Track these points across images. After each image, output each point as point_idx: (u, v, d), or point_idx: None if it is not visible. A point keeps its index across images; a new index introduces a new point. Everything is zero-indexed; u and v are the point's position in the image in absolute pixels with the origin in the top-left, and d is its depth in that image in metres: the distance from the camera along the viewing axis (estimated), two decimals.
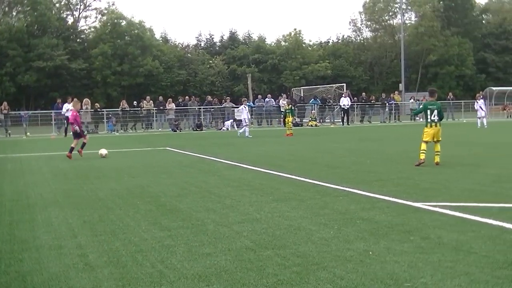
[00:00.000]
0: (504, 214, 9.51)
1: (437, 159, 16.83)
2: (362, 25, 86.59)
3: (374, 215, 9.70)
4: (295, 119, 40.46)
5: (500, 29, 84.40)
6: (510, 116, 55.82)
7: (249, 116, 37.46)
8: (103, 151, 21.86)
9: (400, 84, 64.82)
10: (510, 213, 9.69)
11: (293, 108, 37.59)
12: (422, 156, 16.69)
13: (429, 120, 17.12)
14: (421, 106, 17.91)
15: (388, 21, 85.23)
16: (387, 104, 52.19)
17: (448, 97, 56.29)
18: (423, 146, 16.89)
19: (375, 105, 52.55)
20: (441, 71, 77.89)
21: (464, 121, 50.11)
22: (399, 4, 77.65)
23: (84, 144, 22.10)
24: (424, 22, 77.66)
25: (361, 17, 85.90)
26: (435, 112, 17.03)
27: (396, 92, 59.60)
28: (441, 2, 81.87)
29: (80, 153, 21.83)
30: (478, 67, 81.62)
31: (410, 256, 7.19)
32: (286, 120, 35.71)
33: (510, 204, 10.50)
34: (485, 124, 38.44)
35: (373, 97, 55.53)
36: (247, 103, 37.36)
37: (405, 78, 68.75)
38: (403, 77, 65.54)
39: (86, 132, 22.92)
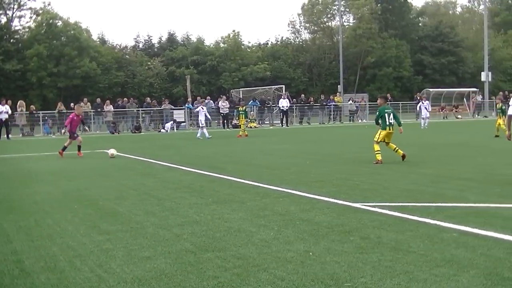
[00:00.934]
0: (441, 214, 9.65)
1: (400, 152, 17.86)
2: (301, 27, 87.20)
3: (314, 216, 9.73)
4: (247, 121, 40.26)
5: (436, 31, 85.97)
6: (447, 117, 56.89)
7: (208, 117, 37.39)
8: (112, 151, 22.09)
9: (339, 86, 65.47)
10: (447, 212, 9.83)
11: (246, 110, 37.50)
12: (379, 157, 17.54)
13: (387, 123, 18.05)
14: (377, 113, 18.69)
15: (327, 23, 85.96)
16: (326, 105, 52.58)
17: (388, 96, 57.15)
18: (377, 147, 17.79)
19: (314, 107, 52.89)
20: (379, 73, 78.95)
21: (402, 122, 50.76)
22: (337, 6, 78.32)
23: (65, 147, 23.06)
24: (362, 24, 78.60)
25: (299, 19, 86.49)
26: (391, 115, 18.15)
27: (337, 93, 60.10)
28: (378, 5, 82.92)
29: (60, 154, 22.75)
30: (415, 69, 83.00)
31: (350, 256, 7.22)
32: (239, 121, 35.61)
33: (447, 203, 10.65)
34: (426, 124, 39.13)
35: (312, 98, 55.91)
36: (204, 105, 37.23)
37: (344, 80, 69.46)
38: (341, 78, 66.22)
39: (76, 134, 23.42)
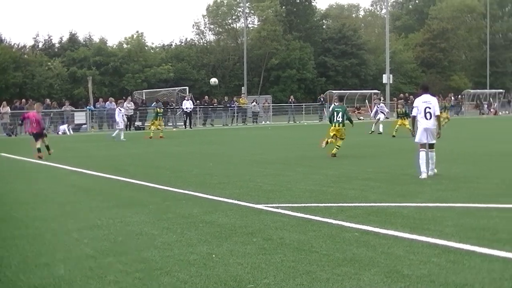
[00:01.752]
0: (343, 214, 9.78)
1: (335, 151, 19.75)
2: (206, 28, 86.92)
3: (217, 218, 9.68)
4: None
5: (339, 34, 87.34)
6: (358, 118, 57.84)
7: (124, 119, 36.63)
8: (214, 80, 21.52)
9: (242, 87, 65.64)
10: (348, 212, 9.97)
11: (160, 112, 36.84)
12: (323, 144, 20.22)
13: (335, 120, 20.22)
14: (330, 110, 20.69)
15: (231, 25, 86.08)
16: (229, 107, 52.61)
17: (290, 100, 57.64)
18: (329, 140, 20.12)
19: (218, 108, 52.84)
20: (283, 75, 79.54)
21: (305, 123, 51.48)
22: (242, 8, 78.63)
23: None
24: (267, 26, 79.03)
25: (204, 20, 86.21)
26: (340, 114, 20.16)
27: (241, 95, 60.23)
28: (283, 7, 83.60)
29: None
30: (319, 71, 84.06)
31: (253, 257, 7.21)
32: (153, 123, 35.02)
33: (349, 203, 10.82)
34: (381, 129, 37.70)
35: (216, 100, 55.85)
36: (121, 106, 36.46)
37: (248, 82, 69.76)
38: (245, 80, 66.46)
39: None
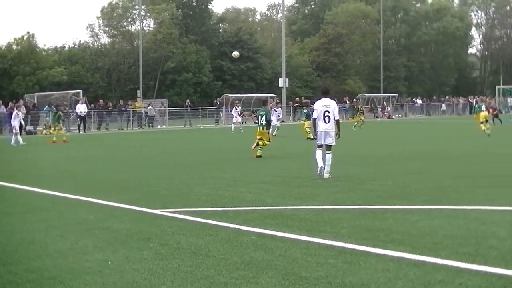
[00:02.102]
0: (239, 217, 9.77)
1: (259, 153, 20.43)
2: (100, 31, 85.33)
3: (112, 224, 9.48)
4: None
5: (236, 38, 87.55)
6: (246, 122, 58.02)
7: (22, 123, 35.28)
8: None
9: (138, 91, 64.80)
10: (245, 216, 9.96)
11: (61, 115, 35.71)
12: (258, 153, 20.55)
13: (259, 123, 21.19)
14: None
15: (127, 27, 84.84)
16: (124, 110, 51.85)
17: (186, 103, 57.43)
18: (260, 142, 20.73)
19: (113, 112, 52.01)
20: (179, 78, 79.01)
21: (202, 127, 51.40)
22: (137, 11, 77.69)
23: None
24: (163, 30, 78.27)
25: (99, 22, 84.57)
26: (264, 117, 21.04)
27: (138, 99, 59.43)
28: (179, 10, 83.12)
29: None
30: (215, 75, 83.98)
31: (149, 263, 7.09)
32: (55, 126, 33.97)
33: (246, 207, 10.83)
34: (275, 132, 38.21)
35: (111, 104, 54.97)
36: (19, 110, 35.06)
37: (143, 85, 68.94)
38: (141, 84, 65.66)
39: None
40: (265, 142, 20.95)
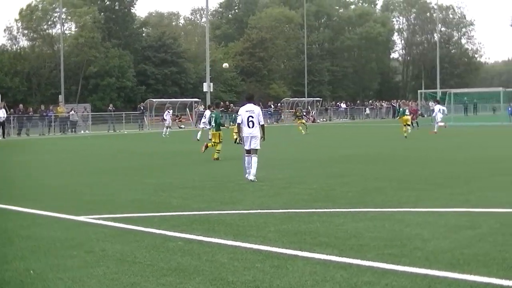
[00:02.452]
0: (166, 223, 9.68)
1: (216, 155, 21.26)
2: (19, 34, 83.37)
3: (34, 232, 9.23)
4: None
5: (159, 42, 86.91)
6: (170, 127, 57.63)
7: None
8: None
9: (60, 96, 63.53)
10: (171, 221, 9.89)
11: None
12: (215, 155, 21.33)
13: (213, 125, 22.11)
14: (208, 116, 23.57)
15: (47, 31, 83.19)
16: (46, 116, 50.72)
17: (109, 108, 56.66)
18: (209, 145, 22.00)
19: (34, 117, 50.85)
20: (102, 83, 77.96)
21: (126, 132, 50.82)
22: (58, 14, 76.24)
23: None
24: (85, 33, 77.06)
25: (17, 25, 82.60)
26: (214, 120, 21.94)
27: (60, 103, 58.17)
28: (102, 14, 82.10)
29: None
30: (139, 79, 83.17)
31: (74, 271, 6.93)
32: None
33: (172, 212, 10.74)
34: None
35: (31, 109, 53.71)
36: None
37: (65, 90, 67.68)
38: (63, 88, 64.39)
39: None
40: (214, 142, 21.82)
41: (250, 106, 15.52)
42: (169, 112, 44.05)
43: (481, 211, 10.25)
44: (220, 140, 21.76)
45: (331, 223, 9.42)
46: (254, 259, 7.33)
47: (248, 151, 15.22)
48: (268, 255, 7.50)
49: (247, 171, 15.14)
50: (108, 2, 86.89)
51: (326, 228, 9.04)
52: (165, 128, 41.98)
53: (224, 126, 23.91)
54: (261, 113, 15.72)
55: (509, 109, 58.69)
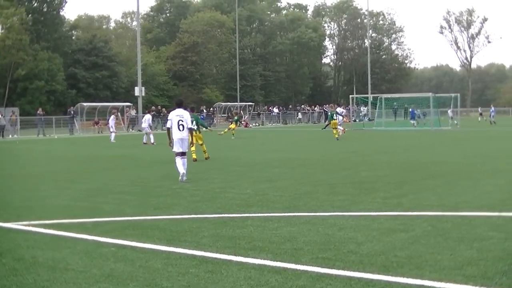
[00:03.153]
0: (98, 228, 9.54)
1: (206, 155, 22.83)
2: None
3: None
4: None
5: (90, 45, 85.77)
6: (102, 131, 57.02)
7: None
8: None
9: None
10: (104, 227, 9.75)
11: None
12: (194, 155, 21.91)
13: (194, 127, 21.73)
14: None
15: None
16: None
17: (38, 112, 55.55)
18: (192, 147, 21.35)
19: None
20: (31, 86, 76.44)
21: (56, 137, 49.94)
22: None
23: None
24: (12, 35, 75.45)
25: None
26: (195, 122, 22.30)
27: None
28: (29, 16, 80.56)
29: None
30: (69, 83, 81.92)
31: (2, 280, 6.78)
32: None
33: (105, 218, 10.60)
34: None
35: None
36: None
37: None
38: None
39: None
40: (199, 144, 23.02)
41: (179, 111, 16.42)
42: (114, 117, 43.37)
43: (413, 214, 10.44)
44: (201, 142, 23.25)
45: (266, 227, 9.43)
46: (188, 264, 7.28)
47: (181, 153, 15.96)
48: (202, 260, 7.47)
49: (180, 171, 15.75)
50: (36, 4, 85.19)
51: (261, 232, 9.05)
52: (113, 134, 40.94)
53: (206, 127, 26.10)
54: (189, 117, 16.63)
55: (412, 112, 60.24)
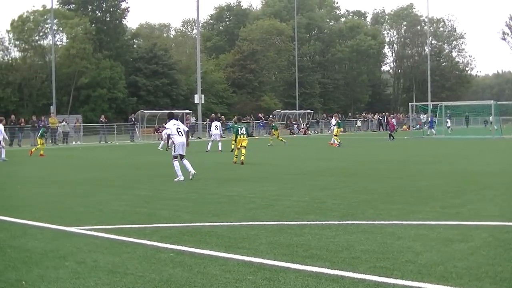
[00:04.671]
0: (157, 234, 9.66)
1: (243, 158, 24.56)
2: (11, 45, 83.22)
3: (25, 242, 9.21)
4: None
5: (150, 54, 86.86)
6: (161, 138, 57.51)
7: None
8: None
9: (51, 107, 63.36)
10: (163, 232, 9.86)
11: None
12: (235, 159, 25.24)
13: (239, 133, 25.30)
14: (232, 127, 28.56)
15: (39, 42, 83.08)
16: (38, 126, 50.51)
17: (101, 119, 56.55)
18: (236, 152, 25.64)
19: (25, 128, 50.78)
20: (94, 94, 77.89)
21: (117, 143, 50.72)
22: (50, 25, 76.14)
23: None
24: (76, 44, 76.97)
25: (9, 36, 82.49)
26: (244, 130, 25.48)
27: (51, 114, 57.90)
28: (93, 25, 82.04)
29: None
30: (130, 90, 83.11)
31: (66, 282, 6.92)
32: None
33: (163, 224, 10.71)
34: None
35: (23, 119, 53.59)
36: None
37: (57, 101, 67.53)
38: (54, 99, 64.24)
39: None
40: (242, 149, 24.93)
41: (174, 121, 19.11)
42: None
43: (472, 224, 10.28)
44: (245, 145, 25.35)
45: (323, 235, 9.42)
46: (245, 271, 7.32)
47: (181, 156, 18.70)
48: (260, 267, 7.49)
49: (178, 174, 18.26)
50: (99, 14, 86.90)
51: (318, 240, 9.03)
52: (162, 142, 41.33)
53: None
54: (183, 125, 19.53)
55: (430, 120, 59.36)
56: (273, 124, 46.58)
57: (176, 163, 18.45)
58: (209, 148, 34.66)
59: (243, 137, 25.26)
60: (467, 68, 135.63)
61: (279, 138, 43.66)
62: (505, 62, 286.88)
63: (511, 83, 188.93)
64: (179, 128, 18.82)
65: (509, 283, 6.68)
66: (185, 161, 18.69)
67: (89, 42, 78.66)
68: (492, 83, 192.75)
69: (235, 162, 24.83)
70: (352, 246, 8.55)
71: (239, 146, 25.32)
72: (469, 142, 44.00)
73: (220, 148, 34.20)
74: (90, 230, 10.10)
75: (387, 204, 12.68)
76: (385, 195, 14.25)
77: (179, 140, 18.67)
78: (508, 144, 39.25)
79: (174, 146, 18.80)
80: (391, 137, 48.52)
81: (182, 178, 18.13)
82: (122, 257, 8.09)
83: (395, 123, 55.26)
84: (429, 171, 20.53)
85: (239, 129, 25.74)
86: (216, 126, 36.44)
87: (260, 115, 73.07)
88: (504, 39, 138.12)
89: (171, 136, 18.92)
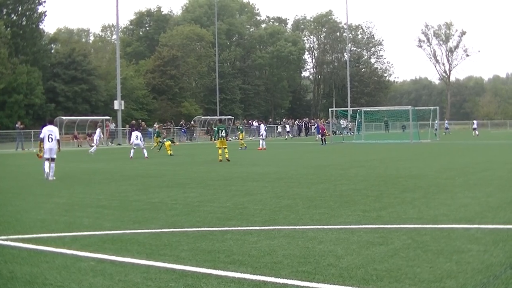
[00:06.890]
0: (77, 243, 9.48)
1: (227, 156, 29.28)
2: None
3: None
4: None
5: (69, 59, 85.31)
6: (81, 145, 56.82)
7: None
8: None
9: None
10: (83, 241, 9.69)
11: None
12: (220, 157, 29.25)
13: (219, 136, 29.40)
14: (215, 128, 31.30)
15: None
16: None
17: (17, 126, 55.20)
18: (219, 151, 29.47)
19: None
20: (10, 100, 75.86)
21: (34, 150, 49.51)
22: None
23: None
24: None
25: None
26: (223, 131, 29.77)
27: None
28: (8, 29, 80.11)
29: None
30: (48, 96, 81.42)
31: None
32: None
33: (83, 232, 10.53)
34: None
35: None
36: None
37: None
38: None
39: None
40: (224, 146, 29.48)
41: (50, 127, 21.82)
42: (100, 130, 43.41)
43: (392, 227, 10.47)
44: (226, 145, 29.62)
45: (245, 241, 9.42)
46: (167, 278, 7.25)
47: (50, 159, 21.22)
48: (182, 274, 7.44)
49: (46, 171, 21.13)
50: (15, 17, 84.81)
51: (240, 246, 9.03)
52: (94, 147, 41.05)
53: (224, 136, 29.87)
54: (57, 131, 22.20)
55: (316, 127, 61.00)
56: (240, 127, 50.74)
57: (46, 163, 21.27)
58: (131, 155, 34.15)
59: (223, 139, 29.35)
60: (385, 74, 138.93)
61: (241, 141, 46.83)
62: (422, 68, 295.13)
63: (427, 89, 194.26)
64: (51, 135, 21.51)
65: (428, 283, 6.82)
66: (52, 165, 21.30)
67: (4, 47, 76.61)
68: (410, 89, 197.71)
69: (221, 160, 28.94)
70: (274, 251, 8.58)
71: (220, 147, 29.20)
72: (389, 146, 44.93)
73: (146, 155, 33.67)
74: (6, 240, 9.82)
75: (309, 209, 12.79)
76: (307, 199, 14.37)
77: (48, 145, 21.35)
78: (425, 148, 40.28)
79: (44, 150, 21.50)
80: (324, 142, 49.29)
81: (47, 176, 21.04)
82: (41, 267, 7.89)
83: (324, 127, 55.86)
84: (351, 175, 20.83)
85: (220, 131, 29.59)
86: (136, 136, 35.58)
87: (181, 121, 72.72)
88: (420, 46, 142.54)
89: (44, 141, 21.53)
